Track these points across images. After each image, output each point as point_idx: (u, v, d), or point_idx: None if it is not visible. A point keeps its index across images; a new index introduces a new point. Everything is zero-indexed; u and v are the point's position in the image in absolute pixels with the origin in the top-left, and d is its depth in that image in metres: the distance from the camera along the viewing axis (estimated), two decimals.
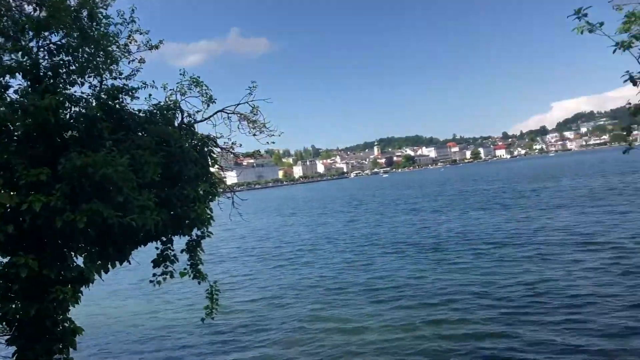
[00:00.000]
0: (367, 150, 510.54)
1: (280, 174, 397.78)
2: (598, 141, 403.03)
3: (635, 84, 7.88)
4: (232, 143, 10.18)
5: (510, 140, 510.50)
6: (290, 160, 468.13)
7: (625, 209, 41.55)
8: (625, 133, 8.52)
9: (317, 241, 45.06)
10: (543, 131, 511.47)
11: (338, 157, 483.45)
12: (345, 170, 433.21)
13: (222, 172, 11.01)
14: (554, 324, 16.60)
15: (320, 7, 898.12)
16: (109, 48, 9.49)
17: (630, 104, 8.56)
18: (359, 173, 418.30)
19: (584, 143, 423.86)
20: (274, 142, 10.21)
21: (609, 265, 23.60)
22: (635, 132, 11.47)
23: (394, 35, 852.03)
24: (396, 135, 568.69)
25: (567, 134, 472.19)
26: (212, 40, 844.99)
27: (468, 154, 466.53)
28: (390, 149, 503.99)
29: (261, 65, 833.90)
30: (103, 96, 9.26)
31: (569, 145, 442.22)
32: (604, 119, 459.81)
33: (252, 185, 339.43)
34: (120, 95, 9.45)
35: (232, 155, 10.78)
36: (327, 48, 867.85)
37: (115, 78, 9.84)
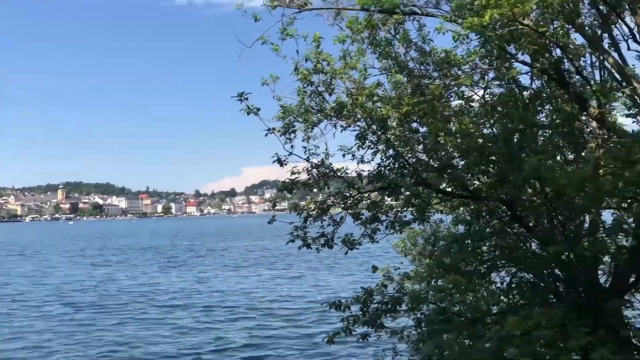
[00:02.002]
0: (49, 192, 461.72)
1: None
2: (279, 207, 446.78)
3: (281, 164, 9.20)
4: None
5: (201, 198, 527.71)
6: None
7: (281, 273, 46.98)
8: (272, 204, 9.81)
9: None
10: (232, 193, 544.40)
11: (12, 197, 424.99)
12: (19, 212, 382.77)
13: None
14: None
15: (41, 31, 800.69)
16: None
17: (278, 180, 9.94)
18: (37, 217, 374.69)
19: (267, 207, 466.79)
20: None
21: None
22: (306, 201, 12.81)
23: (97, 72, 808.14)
24: (85, 181, 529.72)
25: (253, 197, 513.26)
26: None
27: (160, 207, 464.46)
28: (77, 194, 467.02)
29: None
30: None
31: (253, 208, 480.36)
32: None
33: None
34: None
35: None
36: (16, 75, 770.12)
37: None
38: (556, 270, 8.64)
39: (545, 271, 8.74)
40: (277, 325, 25.97)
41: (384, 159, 9.19)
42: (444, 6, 9.40)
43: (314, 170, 9.19)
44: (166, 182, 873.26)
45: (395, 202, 9.56)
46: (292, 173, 9.34)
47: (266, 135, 9.02)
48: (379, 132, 9.11)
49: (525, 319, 6.41)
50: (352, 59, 9.48)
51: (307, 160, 9.20)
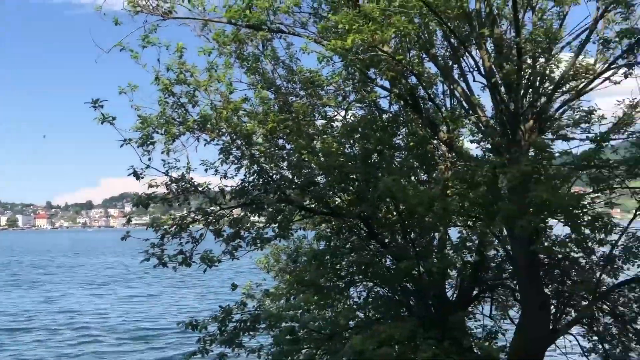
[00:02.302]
0: None
1: None
2: (140, 221, 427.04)
3: (137, 177, 8.70)
4: None
5: (53, 210, 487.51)
6: None
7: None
8: (127, 219, 9.26)
9: None
10: (89, 205, 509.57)
11: None
12: None
13: None
14: None
15: None
16: None
17: (136, 194, 9.40)
18: None
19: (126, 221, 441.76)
20: None
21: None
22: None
23: None
24: None
25: (112, 210, 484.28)
26: None
27: (4, 220, 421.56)
28: None
29: None
30: None
31: (112, 222, 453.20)
32: None
33: None
34: None
35: None
36: None
37: None
38: (408, 285, 9.10)
39: (398, 286, 9.17)
40: (132, 348, 24.53)
41: (248, 175, 9.10)
42: (310, 27, 9.61)
43: (174, 184, 8.83)
44: (12, 192, 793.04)
45: (258, 219, 9.49)
46: (150, 186, 8.89)
47: (121, 146, 8.48)
48: (244, 147, 9.02)
49: (371, 337, 6.63)
50: (218, 72, 9.31)
51: (167, 174, 8.80)
